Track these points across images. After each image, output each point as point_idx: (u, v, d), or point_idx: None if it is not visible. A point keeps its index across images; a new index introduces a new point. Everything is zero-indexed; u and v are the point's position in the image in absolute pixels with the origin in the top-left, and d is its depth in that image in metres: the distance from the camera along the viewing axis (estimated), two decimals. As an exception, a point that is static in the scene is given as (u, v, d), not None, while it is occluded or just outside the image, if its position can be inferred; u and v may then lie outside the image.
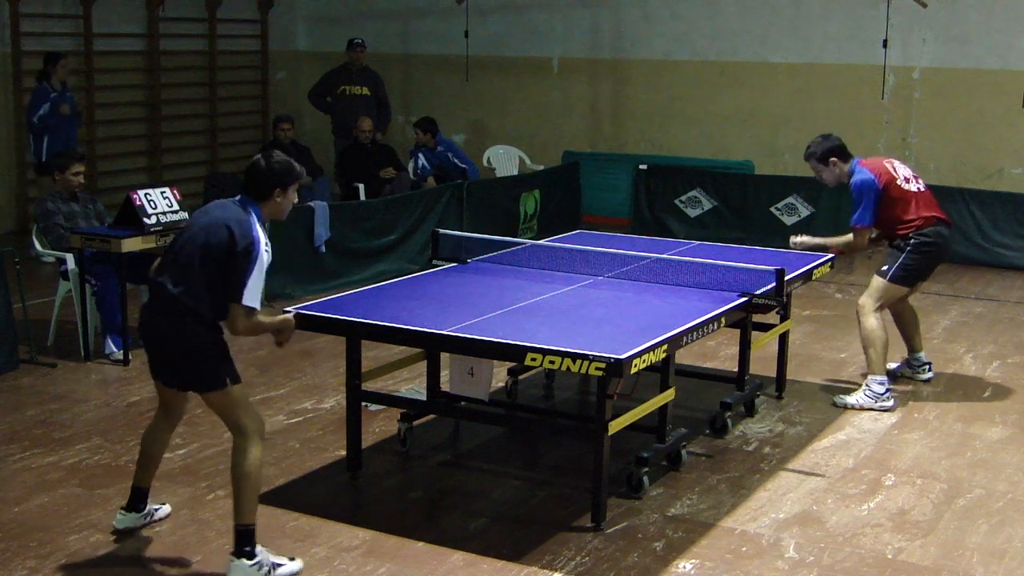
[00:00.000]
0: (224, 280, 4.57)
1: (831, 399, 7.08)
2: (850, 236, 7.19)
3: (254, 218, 4.64)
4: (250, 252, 4.55)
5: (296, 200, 4.87)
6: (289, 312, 5.24)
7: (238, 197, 4.74)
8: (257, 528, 4.83)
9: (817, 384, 7.45)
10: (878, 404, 6.94)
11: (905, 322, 7.56)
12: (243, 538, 4.66)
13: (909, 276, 7.12)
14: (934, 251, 7.18)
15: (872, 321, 7.08)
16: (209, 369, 4.66)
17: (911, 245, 7.09)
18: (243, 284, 4.54)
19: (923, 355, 7.58)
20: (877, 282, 7.16)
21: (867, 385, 7.01)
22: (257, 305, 4.63)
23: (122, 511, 5.10)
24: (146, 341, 4.80)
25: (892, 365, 7.53)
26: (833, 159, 7.14)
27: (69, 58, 11.19)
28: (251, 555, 4.64)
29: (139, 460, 5.09)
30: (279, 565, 4.69)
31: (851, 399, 6.99)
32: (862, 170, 7.08)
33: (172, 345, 4.67)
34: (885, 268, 7.13)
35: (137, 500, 5.10)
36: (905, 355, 7.64)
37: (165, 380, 4.86)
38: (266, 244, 4.63)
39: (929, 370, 7.57)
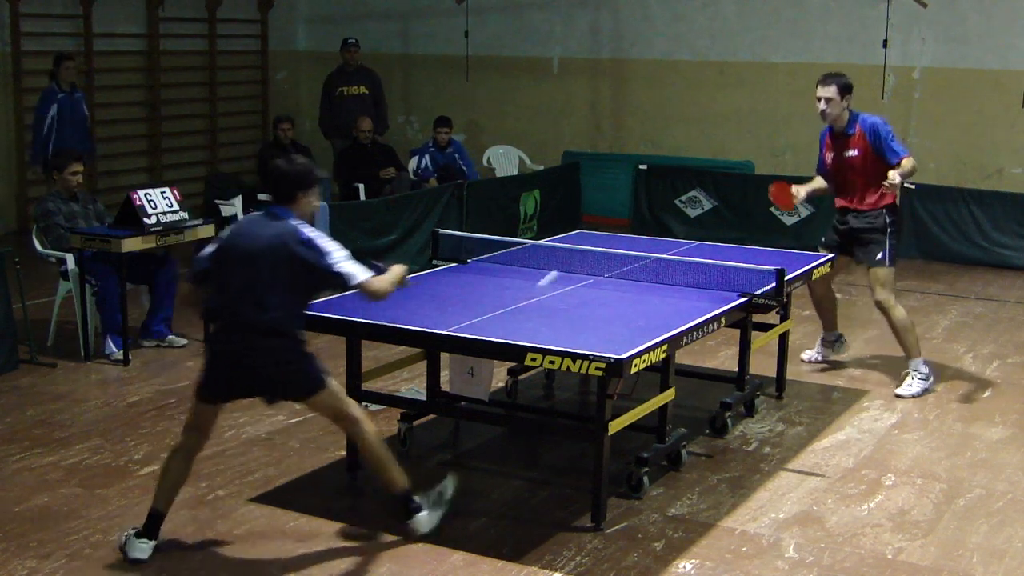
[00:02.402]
0: (317, 288, 4.82)
1: (830, 398, 7.08)
2: (908, 164, 6.98)
3: (292, 220, 4.75)
4: (314, 247, 4.68)
5: (318, 203, 4.98)
6: (396, 266, 5.10)
7: (270, 209, 4.80)
8: (256, 527, 4.84)
9: (817, 384, 7.46)
10: (929, 382, 7.10)
11: (827, 306, 7.71)
12: (408, 501, 4.97)
13: (896, 254, 7.30)
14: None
15: (900, 310, 7.23)
16: (308, 375, 4.79)
17: (891, 224, 7.20)
18: (340, 273, 4.70)
19: (837, 330, 7.80)
20: (883, 273, 7.22)
21: (915, 370, 7.15)
22: (369, 274, 4.78)
23: (142, 540, 4.84)
24: (227, 367, 4.76)
25: (810, 354, 7.76)
26: (849, 96, 7.13)
27: (76, 59, 11.14)
28: (420, 507, 4.98)
29: (165, 485, 4.88)
30: (442, 493, 5.09)
31: (912, 389, 7.10)
32: (872, 115, 7.19)
33: (266, 366, 4.72)
34: (880, 257, 7.20)
35: (157, 526, 4.88)
36: (819, 340, 7.82)
37: (250, 396, 4.91)
38: (314, 232, 4.76)
39: (844, 341, 7.86)
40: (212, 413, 4.92)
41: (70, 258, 7.82)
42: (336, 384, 4.90)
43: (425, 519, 4.99)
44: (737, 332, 6.61)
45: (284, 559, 4.89)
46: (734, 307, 5.87)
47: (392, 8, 14.96)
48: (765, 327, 6.95)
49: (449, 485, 5.13)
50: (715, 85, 13.21)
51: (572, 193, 12.88)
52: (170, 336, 8.07)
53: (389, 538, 5.08)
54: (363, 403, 5.88)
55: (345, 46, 12.48)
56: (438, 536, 5.08)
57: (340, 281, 4.73)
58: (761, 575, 4.86)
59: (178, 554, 4.93)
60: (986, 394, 7.30)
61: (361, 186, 11.62)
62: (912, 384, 7.17)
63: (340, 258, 4.73)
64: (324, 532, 5.13)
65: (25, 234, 10.52)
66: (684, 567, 4.90)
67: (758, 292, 5.99)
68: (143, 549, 4.82)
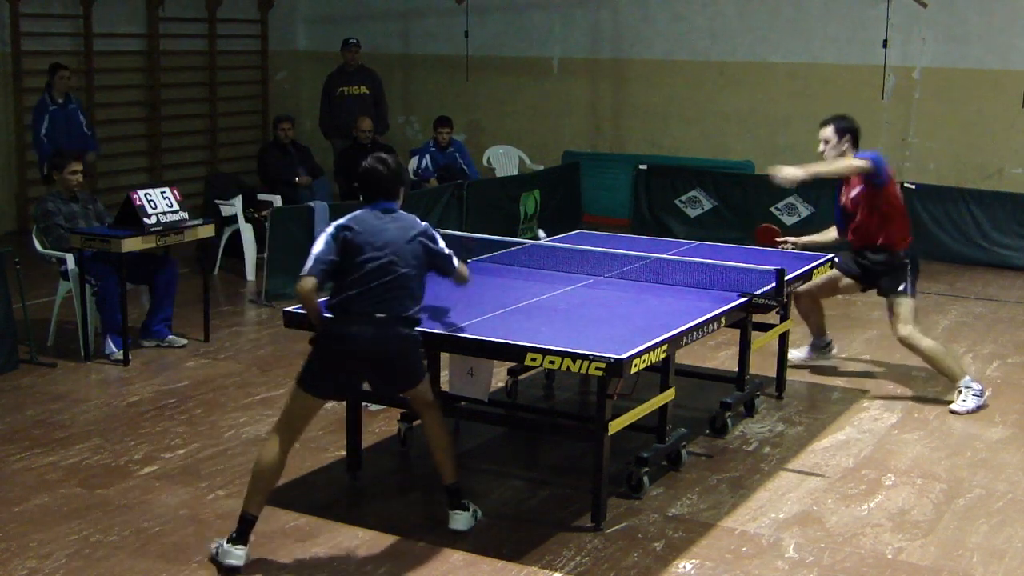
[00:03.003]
0: (436, 266, 5.05)
1: (830, 398, 7.08)
2: (844, 162, 6.84)
3: (402, 212, 5.00)
4: (430, 233, 5.02)
5: None
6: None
7: (378, 205, 4.93)
8: (256, 528, 4.84)
9: (817, 384, 7.46)
10: (984, 397, 6.98)
11: (815, 313, 7.59)
12: (457, 493, 5.15)
13: (916, 290, 7.12)
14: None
15: (927, 341, 7.04)
16: (421, 363, 5.07)
17: (910, 260, 7.05)
18: (449, 257, 5.05)
19: (827, 336, 7.73)
20: (905, 304, 6.98)
21: (966, 387, 6.93)
22: (458, 260, 5.14)
23: (239, 546, 4.75)
24: (363, 359, 4.85)
25: (798, 354, 7.64)
26: (848, 137, 6.95)
27: (68, 67, 11.10)
28: (466, 506, 5.17)
29: (258, 486, 4.81)
30: (476, 510, 5.23)
31: (967, 405, 6.89)
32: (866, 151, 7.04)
33: (402, 358, 4.92)
34: (903, 288, 6.98)
35: (249, 531, 4.79)
36: (809, 344, 7.74)
37: (360, 388, 5.10)
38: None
39: (833, 346, 7.81)
40: (317, 409, 4.96)
41: (70, 258, 7.82)
42: None
43: (466, 519, 5.14)
44: (737, 332, 6.61)
45: (284, 559, 4.89)
46: (734, 307, 5.87)
47: (392, 8, 14.96)
48: (765, 327, 6.95)
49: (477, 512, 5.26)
50: (715, 85, 13.21)
51: (572, 193, 12.89)
52: (170, 336, 8.07)
53: (389, 538, 5.08)
54: (363, 403, 5.89)
55: (345, 46, 12.48)
56: (436, 536, 5.09)
57: (449, 265, 5.07)
58: (761, 575, 4.86)
59: (178, 554, 4.93)
60: (986, 394, 7.29)
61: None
62: (966, 400, 6.90)
63: (444, 243, 5.08)
64: (324, 532, 5.13)
65: (25, 234, 10.52)
66: (684, 567, 4.90)
67: (758, 292, 5.99)
68: (239, 556, 4.74)
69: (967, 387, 6.95)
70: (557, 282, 6.30)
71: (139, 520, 5.25)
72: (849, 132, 6.97)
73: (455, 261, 5.09)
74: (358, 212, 4.93)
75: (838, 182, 7.23)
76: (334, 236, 4.85)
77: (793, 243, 7.35)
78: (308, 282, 4.79)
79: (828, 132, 6.98)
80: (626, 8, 13.65)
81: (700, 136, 13.38)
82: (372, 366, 4.91)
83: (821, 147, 7.01)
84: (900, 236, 7.01)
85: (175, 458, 6.02)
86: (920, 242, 11.35)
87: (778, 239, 7.36)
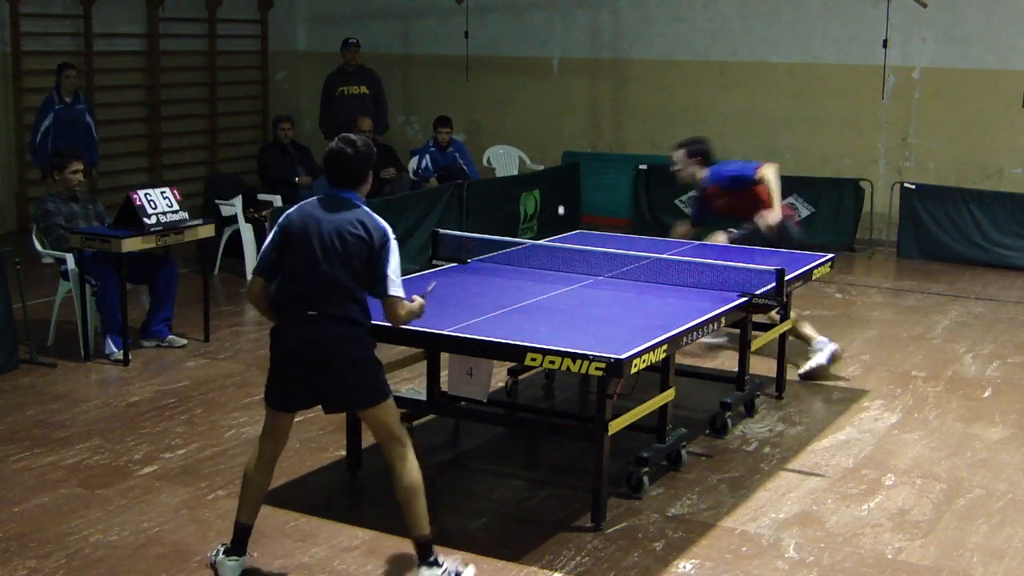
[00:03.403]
0: (370, 280, 4.51)
1: (830, 398, 7.08)
2: (770, 179, 7.46)
3: (365, 207, 4.57)
4: (386, 243, 4.50)
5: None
6: (417, 296, 4.76)
7: (332, 193, 4.56)
8: (257, 527, 4.84)
9: (817, 384, 7.45)
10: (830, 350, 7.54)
11: (794, 334, 7.59)
12: (426, 549, 4.60)
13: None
14: None
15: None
16: (377, 380, 4.59)
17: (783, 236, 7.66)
18: (388, 276, 4.49)
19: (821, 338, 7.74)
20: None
21: (817, 349, 7.51)
22: (401, 293, 4.53)
23: (232, 557, 4.67)
24: (300, 364, 4.53)
25: (816, 364, 7.56)
26: (699, 159, 7.70)
27: (76, 67, 11.10)
28: (438, 563, 4.60)
29: (247, 496, 4.68)
30: (459, 572, 4.63)
31: (819, 359, 7.43)
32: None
33: (341, 361, 4.49)
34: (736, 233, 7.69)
35: (244, 540, 4.70)
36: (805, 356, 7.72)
37: (317, 402, 4.66)
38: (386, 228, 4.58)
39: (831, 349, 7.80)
40: (284, 421, 4.73)
41: (70, 258, 7.82)
42: (393, 401, 4.68)
43: None
44: (737, 332, 6.61)
45: (284, 559, 4.89)
46: (734, 307, 5.87)
47: (392, 8, 14.95)
48: (765, 327, 6.95)
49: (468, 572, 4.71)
50: (715, 85, 13.21)
51: (572, 193, 12.88)
52: (170, 336, 8.07)
53: (389, 538, 5.08)
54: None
55: (345, 46, 12.48)
56: (436, 536, 5.09)
57: (384, 287, 4.50)
58: (761, 575, 4.86)
59: (178, 554, 4.93)
60: (986, 394, 7.30)
61: (361, 186, 11.61)
62: (813, 357, 7.47)
63: (398, 267, 4.54)
64: (324, 532, 5.13)
65: (25, 234, 10.52)
66: (684, 567, 4.90)
67: (758, 292, 5.99)
68: (234, 568, 4.66)
69: (817, 349, 7.47)
70: (557, 282, 6.30)
71: (139, 520, 5.25)
72: (700, 154, 7.71)
73: (393, 290, 4.49)
74: (306, 200, 4.63)
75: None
76: (278, 229, 4.55)
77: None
78: (255, 283, 4.58)
79: (679, 155, 7.71)
80: (626, 8, 13.65)
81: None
82: (314, 371, 4.52)
83: (676, 167, 7.76)
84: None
85: (175, 458, 6.02)
86: (920, 242, 11.52)
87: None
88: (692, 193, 12.28)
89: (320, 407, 4.79)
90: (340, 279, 4.46)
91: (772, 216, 7.34)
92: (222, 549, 4.74)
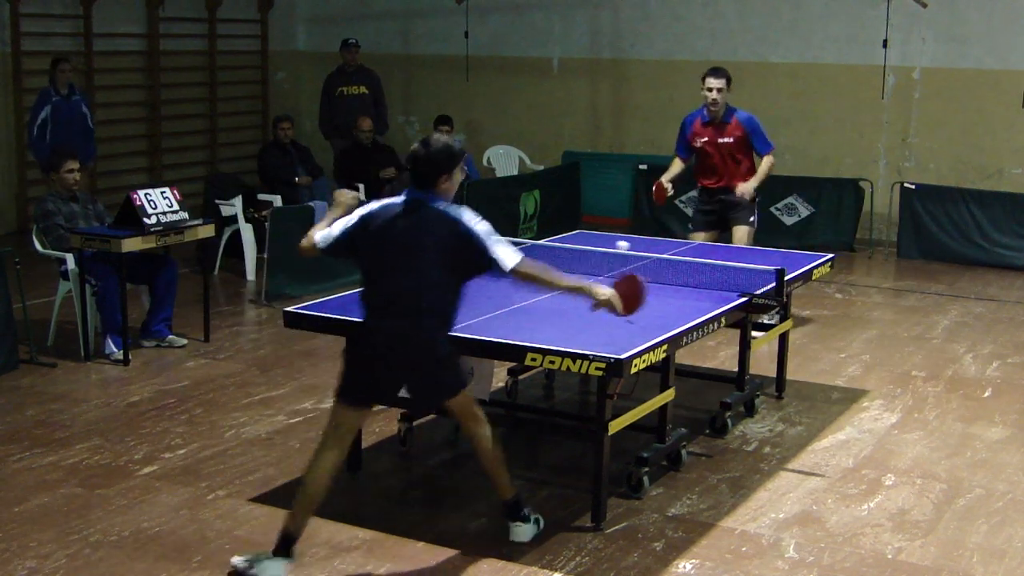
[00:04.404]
0: (470, 273, 4.61)
1: (830, 398, 7.08)
2: (768, 164, 8.13)
3: (442, 203, 4.60)
4: (468, 231, 4.54)
5: (461, 178, 4.75)
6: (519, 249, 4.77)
7: (408, 194, 4.61)
8: (256, 528, 4.84)
9: (817, 384, 7.45)
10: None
11: None
12: (516, 507, 5.01)
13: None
14: None
15: None
16: (457, 371, 4.75)
17: (756, 201, 8.21)
18: (496, 257, 4.53)
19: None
20: (747, 231, 8.16)
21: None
22: (520, 256, 4.58)
23: (277, 559, 4.60)
24: (382, 360, 4.57)
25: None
26: (730, 89, 8.11)
27: (71, 61, 11.10)
28: (526, 517, 5.03)
29: (303, 502, 4.64)
30: (538, 518, 5.11)
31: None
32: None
33: (426, 360, 4.61)
34: (752, 219, 8.10)
35: (290, 546, 4.63)
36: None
37: (396, 398, 4.76)
38: (473, 213, 4.62)
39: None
40: (358, 416, 4.76)
41: (70, 258, 7.82)
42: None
43: (528, 530, 5.03)
44: (737, 332, 6.61)
45: (284, 559, 4.89)
46: (734, 307, 5.87)
47: (392, 8, 14.95)
48: (765, 327, 6.94)
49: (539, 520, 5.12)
50: (715, 85, 13.18)
51: (572, 193, 12.88)
52: (170, 336, 8.07)
53: (389, 538, 5.08)
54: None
55: (345, 46, 12.48)
56: (436, 536, 5.09)
57: (497, 267, 4.55)
58: (761, 575, 4.86)
59: (178, 554, 4.93)
60: (986, 394, 7.30)
61: (361, 186, 11.61)
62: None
63: (499, 242, 4.58)
64: (324, 532, 5.13)
65: (25, 234, 10.52)
66: (684, 567, 4.90)
67: (758, 292, 5.99)
68: (280, 570, 4.61)
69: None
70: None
71: (139, 520, 5.25)
72: (730, 83, 8.05)
73: (509, 262, 4.54)
74: (384, 201, 4.66)
75: (693, 126, 8.23)
76: (355, 223, 4.63)
77: (665, 184, 8.28)
78: (310, 242, 4.67)
79: (722, 83, 8.00)
80: (626, 8, 13.64)
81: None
82: (395, 369, 4.62)
83: (713, 95, 7.96)
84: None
85: (175, 458, 6.02)
86: (920, 242, 11.52)
87: (663, 188, 8.27)
88: (692, 193, 12.41)
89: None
90: (422, 282, 4.53)
91: (749, 188, 8.00)
92: (246, 558, 4.65)
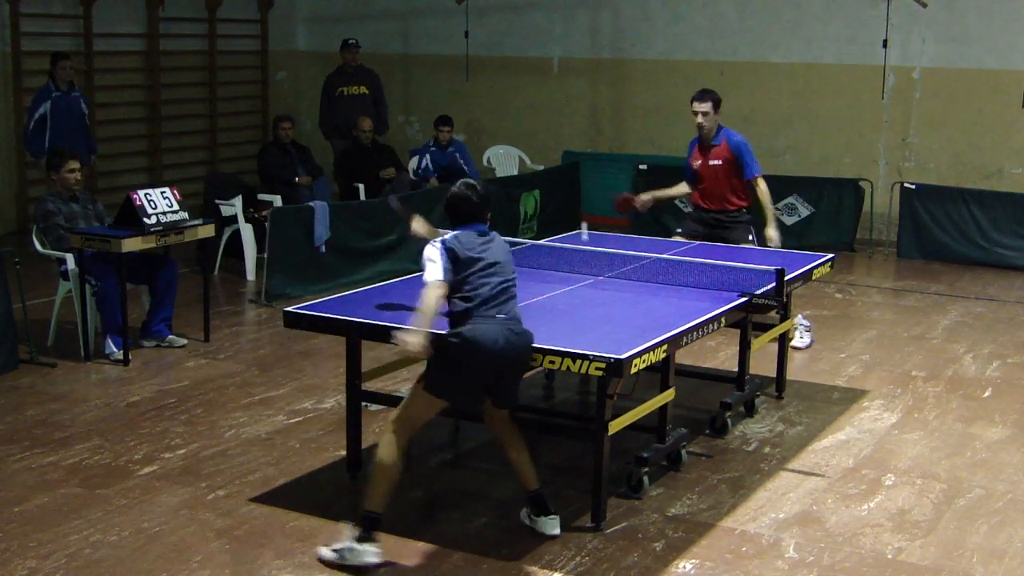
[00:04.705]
0: None
1: (830, 398, 7.08)
2: (765, 194, 7.93)
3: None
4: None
5: None
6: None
7: (475, 227, 4.98)
8: (256, 527, 4.84)
9: (817, 384, 7.45)
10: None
11: None
12: (544, 500, 5.14)
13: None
14: None
15: None
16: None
17: (751, 221, 8.05)
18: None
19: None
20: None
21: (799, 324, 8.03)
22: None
23: (365, 544, 4.79)
24: (497, 362, 4.81)
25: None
26: (719, 113, 7.99)
27: (71, 58, 11.11)
28: (553, 509, 5.16)
29: (387, 488, 4.84)
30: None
31: (805, 340, 8.05)
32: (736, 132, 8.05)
33: (527, 359, 4.95)
34: (751, 237, 7.94)
35: (376, 528, 4.83)
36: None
37: (489, 401, 5.06)
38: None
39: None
40: (438, 410, 5.01)
41: (70, 258, 7.82)
42: None
43: (554, 522, 5.12)
44: (737, 332, 6.61)
45: (284, 559, 4.89)
46: (734, 307, 5.87)
47: (392, 8, 14.95)
48: (765, 327, 6.95)
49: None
50: (715, 85, 13.07)
51: (572, 193, 12.88)
52: (170, 336, 8.07)
53: (389, 538, 5.07)
54: (363, 403, 5.89)
55: (345, 46, 12.47)
56: (436, 536, 5.09)
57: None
58: (761, 575, 4.86)
59: (178, 554, 4.93)
60: (986, 394, 7.30)
61: (361, 186, 11.62)
62: (803, 336, 8.08)
63: None
64: (324, 532, 5.13)
65: (25, 234, 10.52)
66: (684, 567, 4.90)
67: (758, 292, 5.99)
68: (374, 552, 4.79)
69: (799, 324, 7.87)
70: (557, 282, 6.30)
71: (139, 520, 5.25)
72: (720, 105, 8.00)
73: None
74: (456, 232, 4.96)
75: (693, 149, 8.13)
76: (446, 251, 4.85)
77: (646, 200, 8.17)
78: (439, 287, 4.79)
79: (707, 107, 7.92)
80: (626, 8, 13.64)
81: (700, 136, 13.35)
82: (503, 369, 4.86)
83: (699, 119, 7.91)
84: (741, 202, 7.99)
85: (175, 458, 6.02)
86: (920, 242, 11.52)
87: (635, 203, 8.15)
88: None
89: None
90: (516, 291, 4.98)
91: (775, 236, 7.82)
92: (351, 542, 4.78)
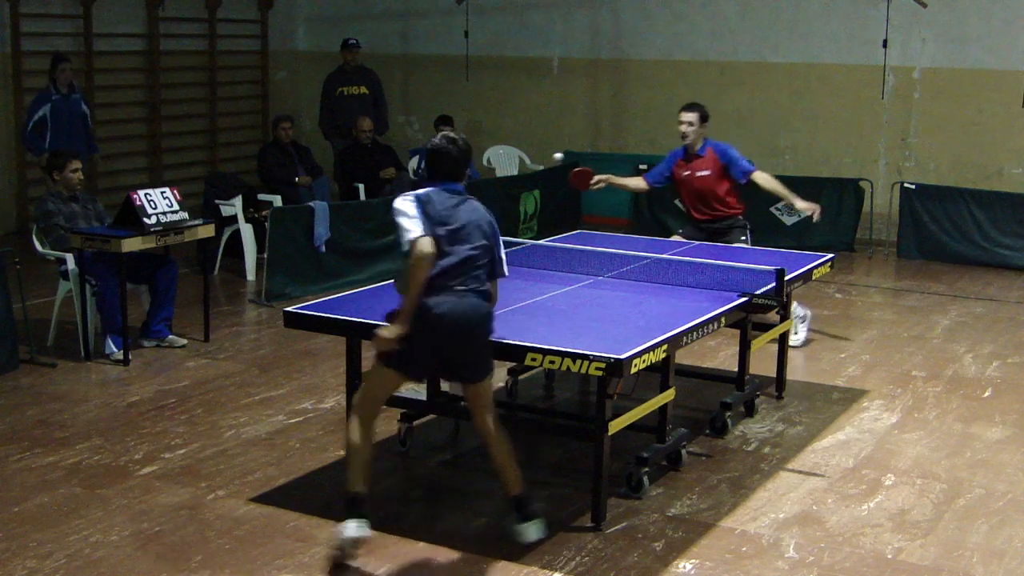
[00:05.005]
0: (490, 259, 4.90)
1: (830, 398, 7.08)
2: (770, 178, 8.01)
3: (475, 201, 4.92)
4: (496, 230, 4.94)
5: None
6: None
7: (446, 186, 4.82)
8: (257, 527, 4.84)
9: (817, 384, 7.45)
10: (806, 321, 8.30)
11: None
12: (524, 504, 4.96)
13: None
14: None
15: None
16: (491, 353, 4.93)
17: (746, 224, 8.17)
18: (503, 258, 4.97)
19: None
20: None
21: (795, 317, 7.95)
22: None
23: (351, 520, 4.76)
24: (447, 336, 4.72)
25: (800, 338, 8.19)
26: (706, 124, 7.98)
27: (71, 61, 11.11)
28: (535, 515, 4.96)
29: (360, 464, 4.83)
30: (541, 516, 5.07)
31: (799, 337, 8.05)
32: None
33: (482, 335, 4.82)
34: (744, 238, 8.05)
35: (361, 507, 4.81)
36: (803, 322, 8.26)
37: (443, 375, 5.03)
38: None
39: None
40: (398, 386, 4.96)
41: (70, 258, 7.82)
42: None
43: (535, 529, 4.96)
44: (737, 332, 6.61)
45: (284, 559, 4.89)
46: (734, 307, 5.87)
47: (392, 8, 14.95)
48: (765, 327, 6.95)
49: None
50: (715, 85, 13.20)
51: (572, 193, 12.86)
52: (170, 336, 8.07)
53: (390, 538, 5.08)
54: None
55: (345, 46, 12.48)
56: (436, 536, 5.09)
57: (501, 269, 4.97)
58: (761, 575, 4.86)
59: (178, 554, 4.93)
60: (986, 394, 7.30)
61: (361, 186, 11.63)
62: (799, 333, 8.10)
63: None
64: (324, 532, 5.13)
65: (25, 234, 10.52)
66: (684, 567, 4.90)
67: (758, 292, 5.99)
68: (356, 527, 4.76)
69: (796, 317, 7.92)
70: (557, 282, 6.30)
71: (139, 520, 5.25)
72: (706, 120, 7.97)
73: (503, 268, 4.97)
74: (427, 189, 4.81)
75: (677, 159, 8.10)
76: (419, 204, 4.72)
77: (604, 180, 8.14)
78: (427, 242, 4.64)
79: (693, 117, 7.90)
80: (626, 8, 13.65)
81: (700, 136, 13.35)
82: (453, 343, 4.76)
83: (684, 128, 7.91)
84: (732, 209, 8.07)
85: (175, 458, 6.01)
86: (920, 242, 11.52)
87: (592, 181, 8.10)
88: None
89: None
90: (483, 260, 4.82)
91: (810, 205, 8.01)
92: (345, 524, 4.77)
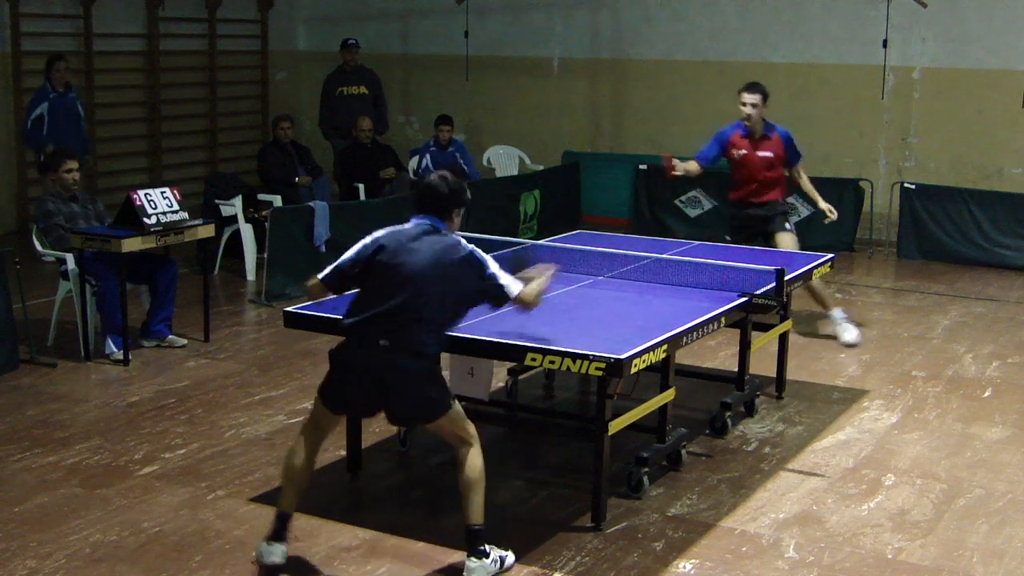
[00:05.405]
0: (476, 301, 4.81)
1: (830, 398, 7.08)
2: (807, 178, 8.49)
3: (452, 235, 4.80)
4: (479, 263, 4.74)
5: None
6: (542, 268, 5.09)
7: (419, 221, 4.76)
8: (256, 528, 4.84)
9: (817, 384, 7.45)
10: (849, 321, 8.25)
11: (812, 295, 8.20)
12: (478, 538, 4.72)
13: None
14: None
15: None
16: (440, 397, 4.72)
17: (788, 209, 8.55)
18: (502, 286, 4.77)
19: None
20: (788, 238, 8.19)
21: (841, 320, 8.14)
22: (520, 286, 4.80)
23: (273, 543, 4.70)
24: (364, 384, 4.64)
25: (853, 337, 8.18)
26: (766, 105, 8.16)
27: (67, 59, 11.12)
28: (486, 553, 4.72)
29: (290, 488, 4.78)
30: (504, 557, 4.83)
31: (852, 335, 8.07)
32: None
33: (409, 384, 4.62)
34: (789, 225, 8.26)
35: (285, 527, 4.74)
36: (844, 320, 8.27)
37: (376, 414, 4.85)
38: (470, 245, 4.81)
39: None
40: (331, 419, 4.86)
41: (70, 258, 7.82)
42: (458, 405, 4.81)
43: (483, 568, 4.70)
44: (737, 332, 6.61)
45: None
46: (734, 307, 5.87)
47: (392, 8, 14.95)
48: (765, 327, 6.95)
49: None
50: (715, 85, 13.18)
51: (572, 193, 12.88)
52: (170, 336, 8.07)
53: (389, 538, 5.08)
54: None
55: (345, 46, 12.48)
56: (436, 536, 5.09)
57: (500, 294, 4.79)
58: (761, 575, 4.86)
59: (178, 554, 4.93)
60: (986, 394, 7.30)
61: (361, 186, 11.63)
62: (848, 332, 8.09)
63: (500, 271, 4.80)
64: (324, 532, 5.13)
65: (25, 234, 10.52)
66: (684, 567, 4.90)
67: (758, 292, 5.99)
68: (279, 552, 4.69)
69: (840, 320, 8.07)
70: (557, 282, 6.28)
71: (139, 520, 5.25)
72: (767, 99, 8.15)
73: (511, 290, 4.78)
74: (399, 226, 4.76)
75: (730, 138, 8.21)
76: (366, 248, 4.69)
77: (681, 167, 8.08)
78: (315, 286, 4.81)
79: (757, 98, 8.08)
80: (626, 8, 13.64)
81: (700, 136, 13.23)
82: (374, 394, 4.67)
83: (748, 110, 8.06)
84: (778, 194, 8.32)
85: (175, 458, 6.02)
86: (920, 242, 11.53)
87: (675, 165, 8.08)
88: (691, 193, 12.44)
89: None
90: (428, 313, 4.63)
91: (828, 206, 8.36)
92: (264, 541, 4.72)
